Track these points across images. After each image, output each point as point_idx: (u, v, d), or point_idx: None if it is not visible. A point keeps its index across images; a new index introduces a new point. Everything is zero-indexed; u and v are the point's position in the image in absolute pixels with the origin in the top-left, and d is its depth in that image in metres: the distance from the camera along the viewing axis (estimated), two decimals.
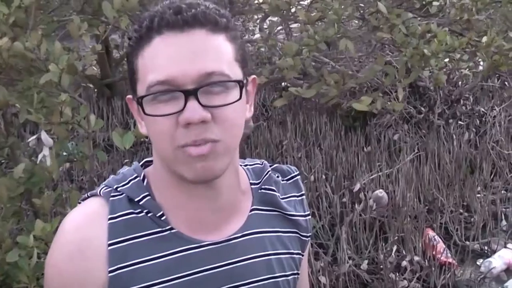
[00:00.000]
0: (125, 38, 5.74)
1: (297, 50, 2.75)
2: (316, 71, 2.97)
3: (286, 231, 1.35)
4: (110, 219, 1.21)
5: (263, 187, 1.34)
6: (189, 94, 1.11)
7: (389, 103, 3.13)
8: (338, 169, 4.93)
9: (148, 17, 1.15)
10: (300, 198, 1.41)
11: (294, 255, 1.36)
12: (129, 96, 1.24)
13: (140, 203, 1.22)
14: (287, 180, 1.40)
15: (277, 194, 1.36)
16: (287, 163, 4.92)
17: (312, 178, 4.65)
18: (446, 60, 4.34)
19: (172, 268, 1.21)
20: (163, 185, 1.24)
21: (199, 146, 1.13)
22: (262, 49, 6.63)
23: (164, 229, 1.22)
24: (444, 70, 4.24)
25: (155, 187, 1.25)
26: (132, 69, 1.18)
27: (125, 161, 4.93)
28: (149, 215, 1.22)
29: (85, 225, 1.21)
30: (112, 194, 1.23)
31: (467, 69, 5.21)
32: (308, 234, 1.40)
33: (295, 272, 1.36)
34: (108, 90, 6.35)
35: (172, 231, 1.22)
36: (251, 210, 1.31)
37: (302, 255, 1.39)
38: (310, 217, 1.41)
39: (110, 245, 1.19)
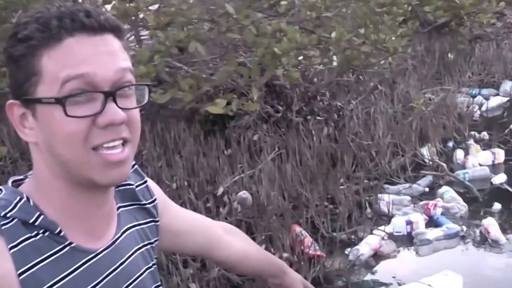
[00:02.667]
0: None
1: (149, 57, 2.85)
2: (169, 76, 3.09)
3: (146, 222, 1.46)
4: (11, 248, 1.17)
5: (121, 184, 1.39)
6: (108, 95, 1.17)
7: (244, 103, 3.30)
8: (200, 175, 5.07)
9: (55, 17, 1.17)
10: (145, 185, 1.50)
11: (153, 244, 1.47)
12: (13, 101, 1.22)
13: (36, 223, 1.20)
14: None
15: (133, 184, 1.45)
16: (148, 174, 4.99)
17: (174, 185, 4.77)
18: (300, 57, 4.59)
19: (80, 283, 1.24)
20: (56, 198, 1.25)
21: (114, 149, 1.20)
22: None
23: (63, 245, 1.23)
24: (299, 67, 4.48)
25: (46, 203, 1.24)
26: (31, 71, 1.18)
27: None
28: (46, 234, 1.21)
29: None
30: (2, 222, 1.18)
31: (321, 65, 5.50)
32: (157, 219, 1.50)
33: (155, 258, 1.48)
34: None
35: (71, 245, 1.24)
36: (118, 209, 1.39)
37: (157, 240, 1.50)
38: (157, 201, 1.51)
39: (20, 274, 1.17)
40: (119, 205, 1.40)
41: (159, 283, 1.48)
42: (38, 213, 1.21)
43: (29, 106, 1.21)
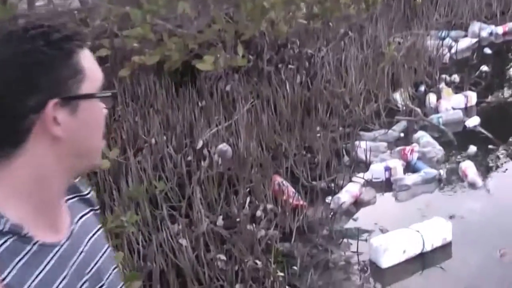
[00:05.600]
0: None
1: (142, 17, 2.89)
2: (155, 35, 3.13)
3: (90, 211, 1.55)
4: None
5: None
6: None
7: (232, 59, 3.35)
8: (177, 128, 5.12)
9: (69, 31, 1.33)
10: (78, 178, 1.58)
11: (100, 229, 1.57)
12: (57, 100, 1.28)
13: (4, 230, 1.25)
14: None
15: None
16: (124, 129, 5.05)
17: (153, 141, 4.82)
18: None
19: (53, 276, 1.31)
20: (21, 199, 1.30)
21: None
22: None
23: (31, 245, 1.28)
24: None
25: (6, 206, 1.28)
26: (77, 68, 1.31)
27: None
28: (14, 237, 1.26)
29: None
30: None
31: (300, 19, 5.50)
32: (96, 207, 1.59)
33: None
34: None
35: (38, 243, 1.30)
36: (66, 201, 1.46)
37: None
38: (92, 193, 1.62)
39: (3, 280, 1.22)
40: (66, 197, 1.48)
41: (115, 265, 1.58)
42: (3, 219, 1.26)
43: (70, 103, 1.31)
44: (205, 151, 4.74)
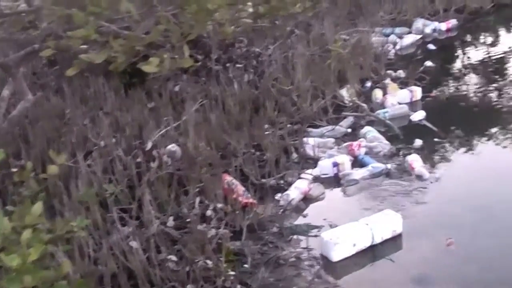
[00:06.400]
0: None
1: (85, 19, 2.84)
2: (100, 36, 3.08)
3: None
4: None
5: None
6: None
7: (178, 61, 3.31)
8: (126, 130, 5.07)
9: None
10: None
11: None
12: None
13: None
14: None
15: None
16: (74, 132, 4.98)
17: (102, 143, 4.76)
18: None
19: None
20: None
21: None
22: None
23: None
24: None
25: None
26: None
27: None
28: None
29: None
30: None
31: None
32: None
33: None
34: None
35: None
36: None
37: None
38: None
39: None
40: None
41: None
42: None
43: None
44: (155, 152, 4.69)
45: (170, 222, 4.08)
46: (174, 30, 3.11)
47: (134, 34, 3.22)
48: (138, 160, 4.65)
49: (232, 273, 3.70)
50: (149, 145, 4.76)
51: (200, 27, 3.26)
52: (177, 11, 3.19)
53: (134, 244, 3.66)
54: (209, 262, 3.67)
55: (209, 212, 4.18)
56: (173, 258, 3.71)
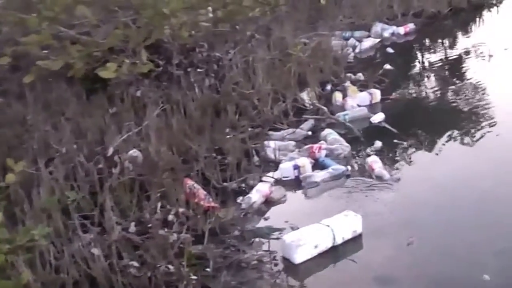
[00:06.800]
0: None
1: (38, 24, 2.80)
2: (58, 42, 3.05)
3: None
4: None
5: None
6: None
7: (135, 66, 3.31)
8: (88, 136, 5.03)
9: None
10: None
11: None
12: None
13: None
14: None
15: None
16: (35, 139, 4.93)
17: (64, 149, 4.71)
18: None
19: None
20: None
21: None
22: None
23: None
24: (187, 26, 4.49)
25: None
26: None
27: None
28: None
29: None
30: None
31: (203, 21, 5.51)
32: None
33: None
34: None
35: None
36: None
37: None
38: None
39: None
40: None
41: None
42: None
43: None
44: (116, 158, 4.65)
45: (132, 227, 4.05)
46: (132, 35, 3.10)
47: (92, 40, 3.20)
48: (100, 166, 4.60)
49: (194, 277, 3.69)
50: (110, 150, 4.72)
51: (157, 32, 3.25)
52: (135, 16, 3.18)
53: (95, 251, 3.63)
54: (171, 267, 3.65)
55: (171, 217, 4.16)
56: (135, 264, 3.68)
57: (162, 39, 6.16)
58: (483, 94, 6.66)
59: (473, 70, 7.46)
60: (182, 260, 3.75)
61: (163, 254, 3.76)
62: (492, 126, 5.79)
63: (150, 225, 4.04)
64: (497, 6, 10.49)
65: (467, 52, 8.15)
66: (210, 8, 5.56)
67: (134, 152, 4.79)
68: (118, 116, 5.43)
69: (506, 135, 5.57)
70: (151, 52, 6.22)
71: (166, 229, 4.00)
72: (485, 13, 10.23)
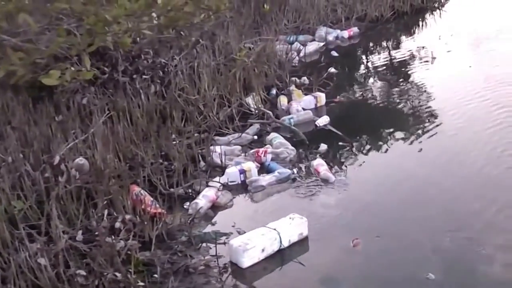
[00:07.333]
0: None
1: None
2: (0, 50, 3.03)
3: None
4: None
5: None
6: None
7: (78, 73, 3.30)
8: (34, 145, 4.98)
9: None
10: None
11: None
12: None
13: None
14: None
15: None
16: None
17: (10, 159, 4.65)
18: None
19: None
20: None
21: None
22: None
23: None
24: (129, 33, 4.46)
25: None
26: None
27: None
28: None
29: None
30: None
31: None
32: None
33: None
34: None
35: None
36: None
37: None
38: None
39: None
40: None
41: None
42: None
43: None
44: (63, 166, 4.61)
45: (79, 236, 4.02)
46: (74, 42, 3.09)
47: (34, 47, 3.18)
48: (47, 175, 4.56)
49: (142, 284, 3.69)
50: (57, 159, 4.67)
51: (100, 38, 3.25)
52: (78, 23, 3.18)
53: (42, 260, 3.60)
54: (118, 274, 3.64)
55: (117, 224, 4.14)
56: (82, 272, 3.66)
57: (107, 46, 6.13)
58: (426, 95, 6.82)
59: (416, 72, 7.63)
60: (130, 267, 3.75)
61: (110, 261, 3.75)
62: (434, 126, 5.94)
63: (97, 233, 4.02)
64: (440, 10, 10.72)
65: (411, 55, 8.33)
66: (154, 15, 5.55)
67: (80, 160, 4.76)
68: (65, 124, 5.38)
69: (448, 135, 5.71)
70: (97, 59, 6.19)
71: (113, 237, 3.98)
72: (427, 16, 10.44)
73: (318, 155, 5.40)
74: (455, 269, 3.86)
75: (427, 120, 6.12)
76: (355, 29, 9.17)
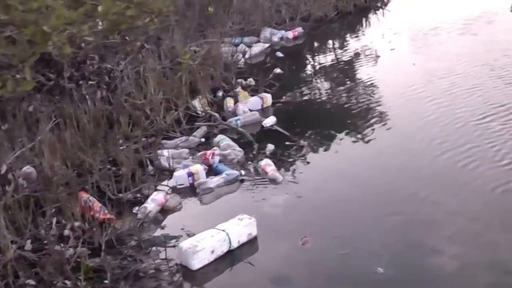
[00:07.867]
0: None
1: None
2: None
3: None
4: None
5: None
6: None
7: (20, 83, 3.27)
8: None
9: None
10: None
11: None
12: None
13: None
14: None
15: None
16: None
17: None
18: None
19: None
20: None
21: None
22: None
23: None
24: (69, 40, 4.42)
25: None
26: None
27: None
28: None
29: None
30: None
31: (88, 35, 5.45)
32: None
33: None
34: None
35: None
36: None
37: None
38: None
39: None
40: None
41: None
42: None
43: None
44: (10, 175, 4.57)
45: (28, 245, 3.99)
46: (14, 51, 3.07)
47: None
48: None
49: None
50: (3, 168, 4.62)
51: (40, 48, 3.23)
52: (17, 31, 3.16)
53: None
54: (68, 282, 3.64)
55: (66, 232, 4.13)
56: (32, 282, 3.65)
57: (52, 52, 6.07)
58: (372, 93, 6.92)
59: (361, 70, 7.74)
60: (79, 275, 3.74)
61: (60, 270, 3.75)
62: (381, 122, 6.03)
63: (46, 241, 4.00)
64: (383, 9, 10.88)
65: (356, 54, 8.43)
66: (98, 21, 5.51)
67: (28, 168, 4.73)
68: (11, 132, 5.32)
69: (394, 131, 5.83)
70: (42, 65, 6.14)
71: (62, 245, 3.97)
72: (371, 15, 10.59)
73: (265, 156, 5.44)
74: (404, 263, 3.94)
75: (372, 117, 6.22)
76: (299, 30, 9.25)
